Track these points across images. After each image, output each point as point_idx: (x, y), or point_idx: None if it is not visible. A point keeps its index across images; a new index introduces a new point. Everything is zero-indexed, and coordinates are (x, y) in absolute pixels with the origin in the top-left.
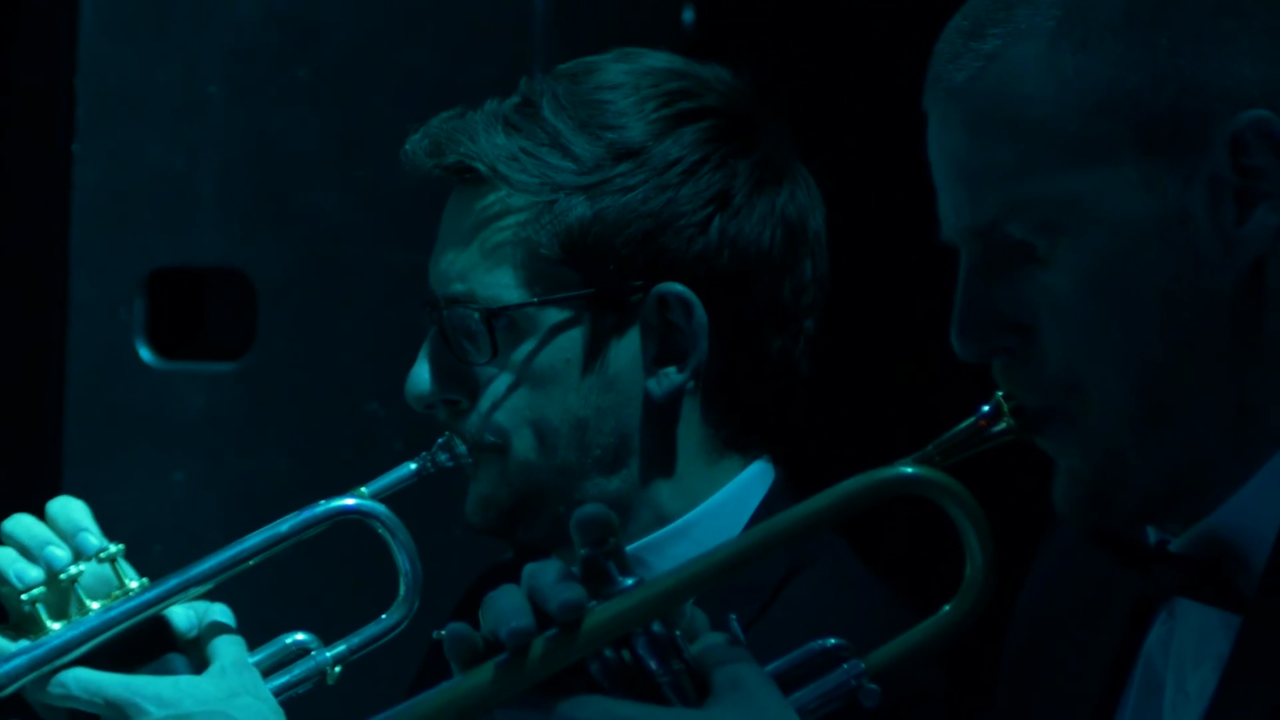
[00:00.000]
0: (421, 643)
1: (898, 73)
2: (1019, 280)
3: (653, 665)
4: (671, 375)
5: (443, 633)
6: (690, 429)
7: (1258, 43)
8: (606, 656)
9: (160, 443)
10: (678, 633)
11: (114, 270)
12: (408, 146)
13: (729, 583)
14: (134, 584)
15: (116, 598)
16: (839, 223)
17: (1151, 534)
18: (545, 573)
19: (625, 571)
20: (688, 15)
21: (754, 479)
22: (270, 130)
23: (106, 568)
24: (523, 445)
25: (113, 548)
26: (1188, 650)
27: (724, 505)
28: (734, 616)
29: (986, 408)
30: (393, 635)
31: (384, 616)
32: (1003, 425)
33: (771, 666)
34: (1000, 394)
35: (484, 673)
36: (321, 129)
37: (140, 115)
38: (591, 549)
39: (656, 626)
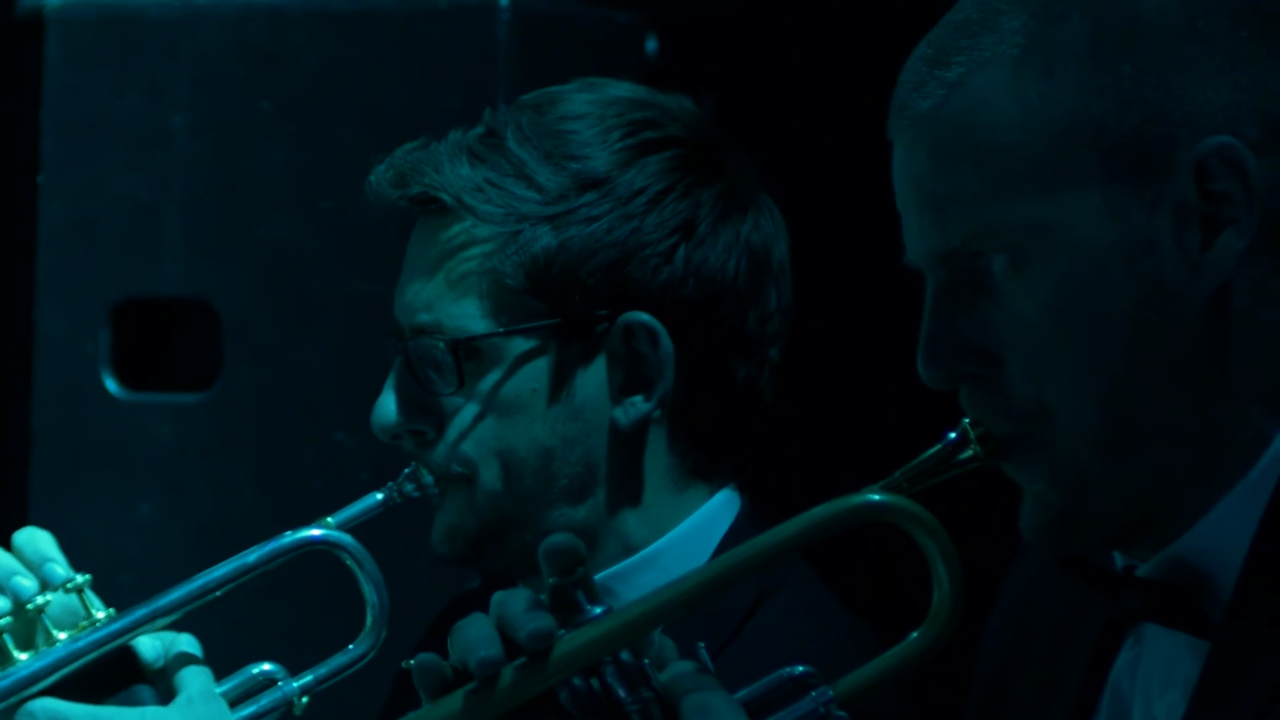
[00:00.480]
0: (388, 673)
1: (861, 100)
2: (984, 307)
3: (621, 693)
4: (638, 404)
5: (411, 662)
6: (657, 458)
7: (1221, 68)
8: (575, 685)
9: (126, 473)
10: (646, 661)
11: (80, 301)
12: (372, 178)
13: (697, 611)
14: (101, 614)
15: (84, 628)
16: (803, 250)
17: (1118, 559)
18: (514, 601)
19: (594, 600)
20: (651, 45)
21: (720, 508)
22: (235, 161)
23: (73, 598)
24: (490, 475)
25: (79, 578)
26: (1155, 675)
27: (691, 534)
28: (702, 645)
29: (953, 435)
30: (360, 665)
31: (351, 647)
32: (970, 452)
33: (740, 694)
34: (967, 421)
35: (453, 702)
36: (286, 160)
37: (105, 147)
38: (560, 578)
39: (625, 655)
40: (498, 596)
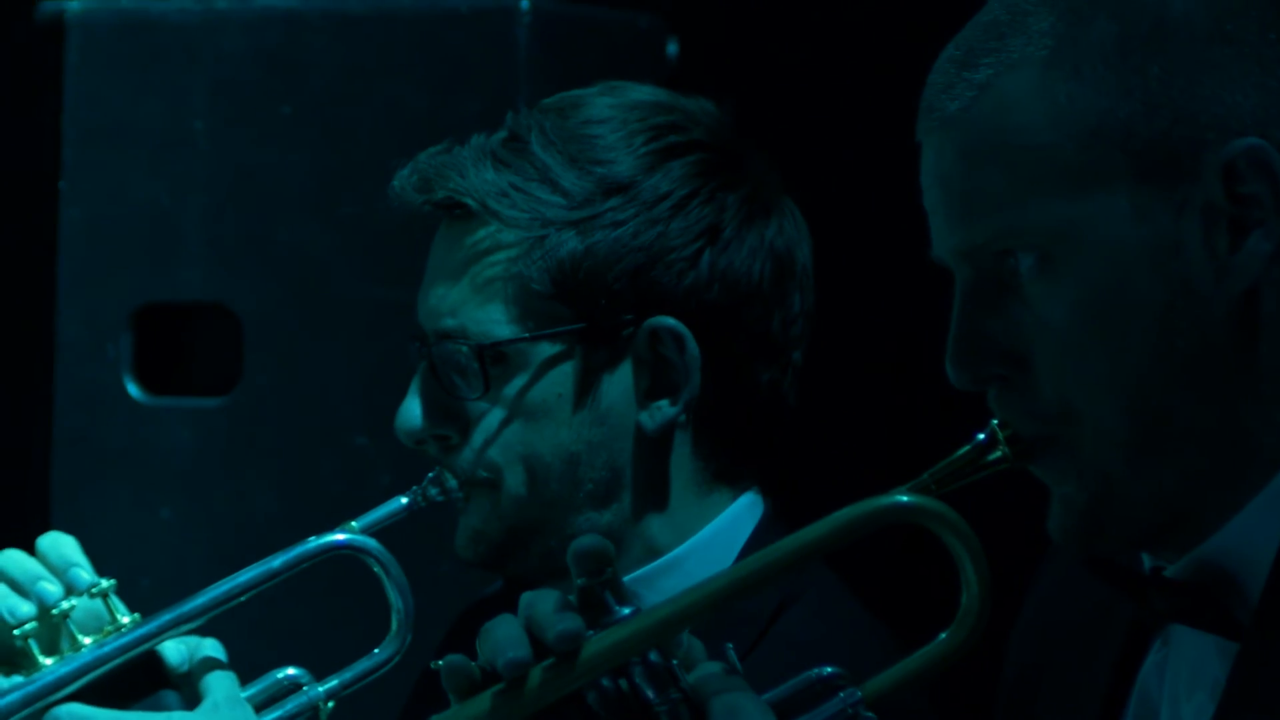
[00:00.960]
0: (410, 676)
1: (882, 103)
2: (1012, 308)
3: (650, 694)
4: (664, 409)
5: (440, 663)
6: (681, 462)
7: (1249, 70)
8: (604, 686)
9: (148, 478)
10: (675, 662)
11: (100, 306)
12: (396, 183)
13: (725, 612)
14: (126, 619)
15: (109, 633)
16: (826, 253)
17: (1146, 561)
18: (543, 602)
19: (622, 601)
20: (671, 48)
21: (744, 511)
22: (256, 166)
23: (98, 603)
24: (515, 480)
25: (104, 583)
26: (1182, 676)
27: (715, 538)
28: (730, 646)
29: (982, 436)
30: (385, 670)
31: (376, 651)
32: (998, 454)
33: (768, 695)
34: (995, 422)
35: (481, 703)
36: (307, 165)
37: (126, 152)
38: (589, 579)
39: (653, 656)
40: (526, 597)
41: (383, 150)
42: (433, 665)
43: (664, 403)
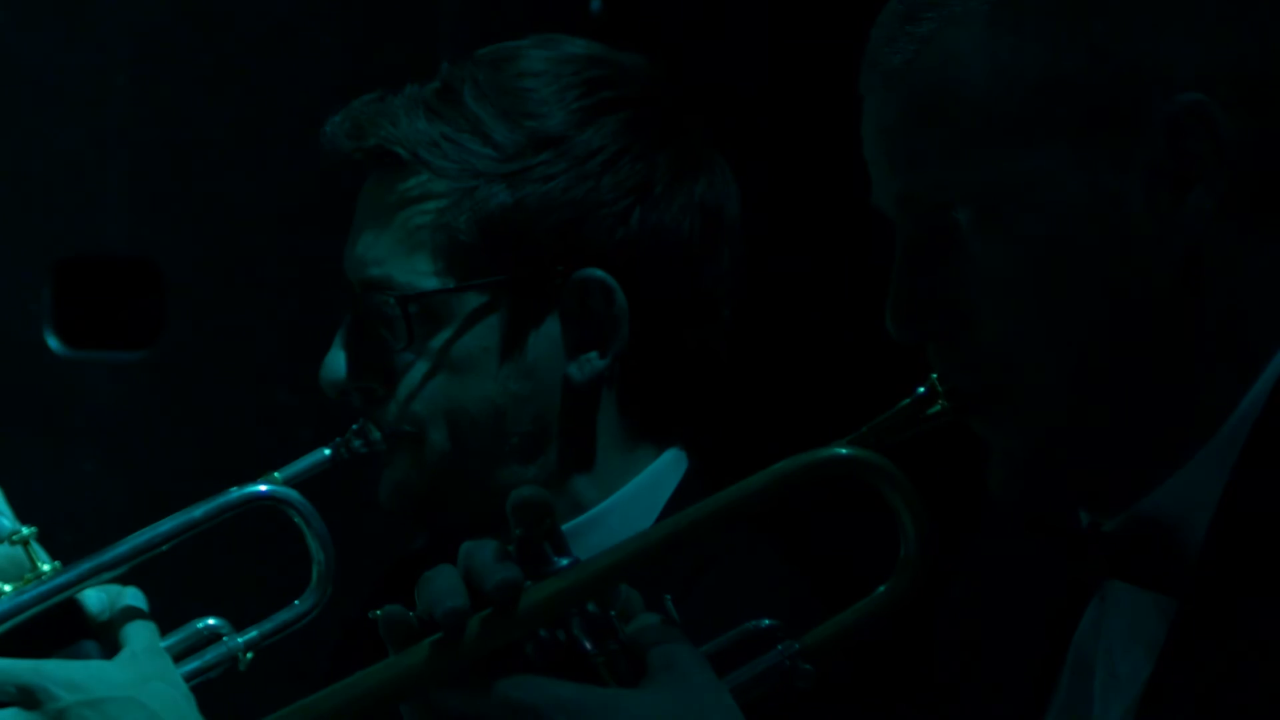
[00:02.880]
0: (333, 628)
1: (808, 58)
2: (953, 262)
3: (588, 645)
4: (593, 361)
5: (378, 613)
6: (608, 417)
7: (1193, 27)
8: (542, 637)
9: (69, 432)
10: (613, 613)
11: (21, 259)
12: (328, 128)
13: (665, 563)
14: (46, 567)
15: (29, 581)
16: (758, 209)
17: (1084, 519)
18: (482, 552)
19: (561, 552)
20: (595, 3)
21: (667, 467)
22: (178, 118)
23: (19, 550)
24: (438, 434)
25: (25, 530)
26: (1119, 633)
27: (638, 494)
28: (669, 597)
29: (922, 390)
30: (305, 621)
31: (296, 603)
32: (938, 408)
33: (706, 647)
34: (935, 376)
35: (419, 653)
36: (230, 117)
37: (48, 104)
38: (527, 529)
39: (592, 607)
40: (466, 546)
41: (306, 104)
42: (370, 615)
43: (593, 355)
